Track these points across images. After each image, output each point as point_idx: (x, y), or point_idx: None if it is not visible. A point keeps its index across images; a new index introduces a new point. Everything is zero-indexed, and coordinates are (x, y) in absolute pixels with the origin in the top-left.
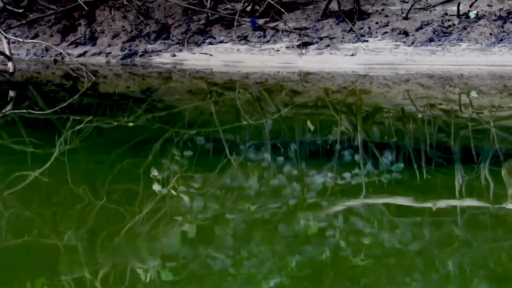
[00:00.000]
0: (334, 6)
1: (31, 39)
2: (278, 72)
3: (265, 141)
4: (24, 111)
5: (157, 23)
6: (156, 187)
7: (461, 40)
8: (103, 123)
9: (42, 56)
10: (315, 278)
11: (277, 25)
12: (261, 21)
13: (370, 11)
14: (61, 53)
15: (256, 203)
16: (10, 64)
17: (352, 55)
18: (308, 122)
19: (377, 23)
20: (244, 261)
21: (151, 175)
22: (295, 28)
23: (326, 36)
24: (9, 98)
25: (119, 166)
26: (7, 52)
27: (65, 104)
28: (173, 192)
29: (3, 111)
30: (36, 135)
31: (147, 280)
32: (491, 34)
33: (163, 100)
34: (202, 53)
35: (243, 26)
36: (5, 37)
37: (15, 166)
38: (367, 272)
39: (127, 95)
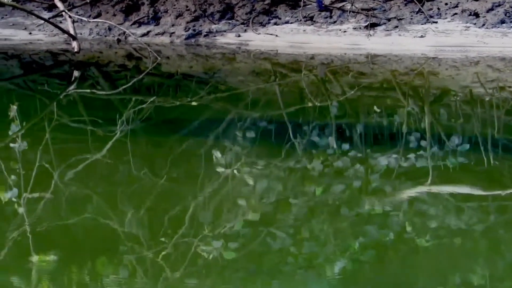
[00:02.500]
0: None
1: (94, 18)
2: (345, 53)
3: (329, 123)
4: (88, 90)
5: (221, 2)
6: (218, 168)
7: None
8: (166, 103)
9: (105, 36)
10: (378, 260)
11: (343, 5)
12: (327, 1)
13: None
14: (124, 33)
15: (319, 185)
16: (74, 44)
17: (421, 36)
18: (374, 104)
19: (446, 4)
20: (307, 243)
21: (213, 156)
22: (362, 9)
23: (394, 17)
24: (73, 77)
25: (181, 147)
26: (72, 32)
27: (129, 84)
28: (235, 173)
29: (67, 90)
30: (99, 115)
31: (209, 259)
32: None
33: (227, 81)
34: (267, 34)
35: (308, 6)
36: (70, 16)
37: (77, 145)
38: (431, 255)
39: (190, 76)
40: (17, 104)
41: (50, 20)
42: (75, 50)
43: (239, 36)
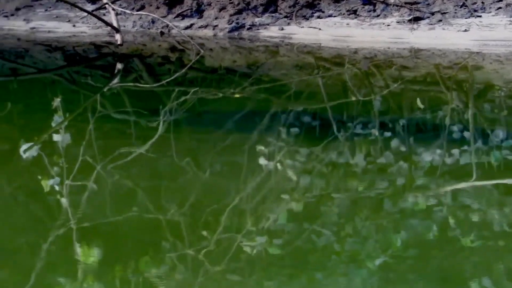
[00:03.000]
0: None
1: (137, 11)
2: (388, 48)
3: (373, 118)
4: (131, 84)
5: None
6: (261, 161)
7: None
8: (209, 95)
9: (149, 28)
10: (421, 257)
11: None
12: None
13: None
14: (167, 25)
15: (362, 180)
16: (118, 36)
17: (465, 30)
18: (418, 98)
19: None
20: (349, 238)
21: (256, 149)
22: (406, 3)
23: (438, 11)
24: (116, 70)
25: (223, 139)
26: (115, 24)
27: (172, 78)
28: (278, 167)
29: (110, 84)
30: (142, 107)
31: (253, 255)
32: None
33: (270, 74)
34: (310, 27)
35: None
36: (113, 9)
37: (120, 137)
38: (475, 253)
39: (233, 68)
40: (60, 96)
41: (94, 12)
42: (118, 42)
43: (282, 29)
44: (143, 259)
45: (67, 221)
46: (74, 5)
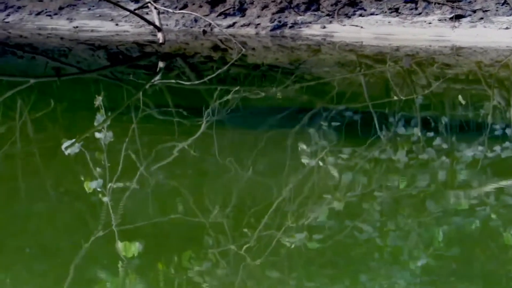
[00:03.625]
0: None
1: (180, 9)
2: (430, 45)
3: (414, 115)
4: (173, 81)
5: None
6: (303, 158)
7: None
8: (251, 94)
9: (191, 27)
10: (463, 255)
11: None
12: None
13: None
14: (210, 24)
15: (404, 177)
16: (160, 35)
17: (507, 28)
18: (460, 96)
19: None
20: (391, 235)
21: (298, 147)
22: (447, 0)
23: (480, 9)
24: (158, 68)
25: (266, 137)
26: (157, 23)
27: (213, 75)
28: (320, 164)
29: (152, 81)
30: (184, 105)
31: (294, 251)
32: None
33: (312, 72)
34: (352, 25)
35: None
36: (155, 8)
37: (163, 135)
38: None
39: (276, 67)
40: (103, 94)
41: (136, 11)
42: (160, 41)
43: (324, 27)
44: (186, 256)
45: (109, 218)
46: (117, 4)
